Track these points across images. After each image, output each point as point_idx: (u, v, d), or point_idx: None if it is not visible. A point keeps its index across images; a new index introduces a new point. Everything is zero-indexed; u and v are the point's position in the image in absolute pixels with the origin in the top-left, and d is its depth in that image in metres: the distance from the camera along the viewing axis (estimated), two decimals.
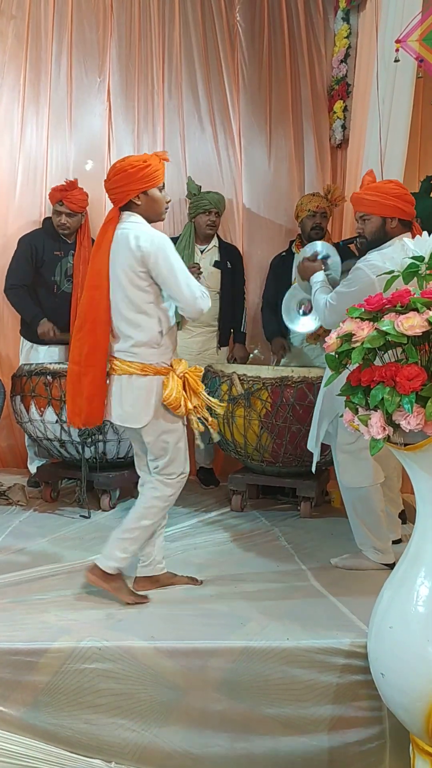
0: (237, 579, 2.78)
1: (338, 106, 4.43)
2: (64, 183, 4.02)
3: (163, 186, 2.60)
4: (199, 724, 2.18)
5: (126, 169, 2.52)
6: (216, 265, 4.19)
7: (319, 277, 3.07)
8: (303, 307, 3.69)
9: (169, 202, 2.64)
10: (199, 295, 2.47)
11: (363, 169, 4.01)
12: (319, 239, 4.08)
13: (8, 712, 2.10)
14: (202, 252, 4.22)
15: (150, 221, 2.59)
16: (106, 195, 4.43)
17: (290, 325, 3.80)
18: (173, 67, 4.58)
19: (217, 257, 4.22)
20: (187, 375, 2.55)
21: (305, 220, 4.11)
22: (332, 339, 2.13)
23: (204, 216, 4.15)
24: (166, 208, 2.64)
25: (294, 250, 4.22)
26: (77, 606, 2.45)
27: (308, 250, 3.34)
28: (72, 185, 3.99)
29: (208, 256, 4.21)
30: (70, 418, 2.62)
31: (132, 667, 2.15)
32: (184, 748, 2.15)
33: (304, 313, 3.69)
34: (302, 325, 3.73)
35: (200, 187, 4.21)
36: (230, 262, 4.25)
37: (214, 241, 4.27)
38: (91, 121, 4.58)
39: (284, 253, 4.29)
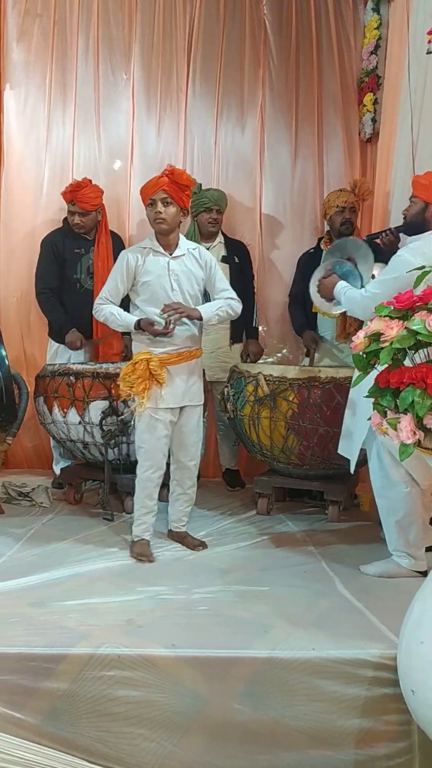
0: (261, 584, 2.70)
1: (368, 98, 4.33)
2: (72, 182, 3.98)
3: (152, 203, 2.96)
4: (221, 735, 2.10)
5: None
6: (223, 260, 4.13)
7: (341, 284, 3.08)
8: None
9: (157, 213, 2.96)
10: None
11: (394, 163, 3.93)
12: (349, 234, 4.01)
13: (26, 719, 2.05)
14: (207, 249, 4.15)
15: (158, 235, 3.04)
16: (130, 193, 4.46)
17: (321, 306, 3.69)
18: (197, 63, 4.54)
19: (223, 252, 4.15)
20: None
21: (334, 216, 4.03)
22: (360, 338, 2.05)
23: (205, 214, 4.09)
24: (157, 221, 2.98)
25: (322, 247, 4.13)
26: (97, 611, 2.40)
27: (318, 274, 3.34)
28: (81, 185, 3.95)
29: (214, 252, 4.14)
30: None
31: (151, 674, 2.09)
32: (205, 759, 2.09)
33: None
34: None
35: (201, 185, 4.15)
36: (237, 257, 4.19)
37: (219, 238, 4.21)
38: (117, 119, 4.56)
39: (312, 251, 4.21)
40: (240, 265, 4.18)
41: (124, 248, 4.29)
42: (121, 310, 3.04)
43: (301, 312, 4.12)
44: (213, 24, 4.53)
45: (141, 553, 2.98)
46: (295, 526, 3.51)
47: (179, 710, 2.08)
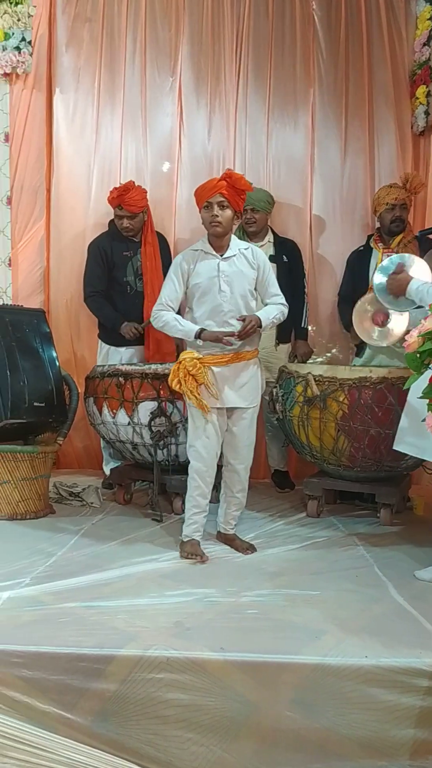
0: (311, 588, 2.65)
1: (421, 91, 4.23)
2: (120, 186, 3.99)
3: (208, 206, 2.97)
4: (271, 741, 2.07)
5: None
6: (271, 259, 4.06)
7: (415, 283, 3.06)
8: (376, 318, 3.61)
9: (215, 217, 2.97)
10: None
11: None
12: (400, 232, 3.92)
13: (76, 719, 2.06)
14: None
15: (210, 237, 3.07)
16: (176, 195, 4.46)
17: (368, 340, 3.70)
18: (244, 61, 4.50)
19: (272, 251, 4.09)
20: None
21: (384, 213, 3.94)
22: (413, 337, 1.99)
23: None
24: (212, 224, 2.98)
25: (372, 245, 4.05)
26: (146, 612, 2.39)
27: (389, 265, 3.29)
28: (128, 188, 3.95)
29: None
30: None
31: (200, 678, 2.07)
32: (255, 765, 2.06)
33: (382, 324, 3.61)
34: (382, 335, 3.63)
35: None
36: (286, 255, 4.13)
37: (268, 237, 4.15)
38: (163, 121, 4.56)
39: (362, 248, 4.13)
40: (289, 264, 4.13)
41: (169, 249, 4.32)
42: (181, 318, 3.07)
43: (350, 309, 4.04)
44: (262, 22, 4.50)
45: (192, 552, 2.97)
46: (346, 529, 3.45)
47: (229, 715, 2.06)
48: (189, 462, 3.10)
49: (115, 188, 4.00)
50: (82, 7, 4.45)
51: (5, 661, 2.07)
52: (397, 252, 3.80)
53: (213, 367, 2.99)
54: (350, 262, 4.19)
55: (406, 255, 3.41)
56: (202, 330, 2.98)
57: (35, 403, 3.52)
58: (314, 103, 4.52)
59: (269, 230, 4.19)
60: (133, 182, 4.01)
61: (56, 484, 3.94)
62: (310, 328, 4.35)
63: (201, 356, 2.98)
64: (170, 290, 3.09)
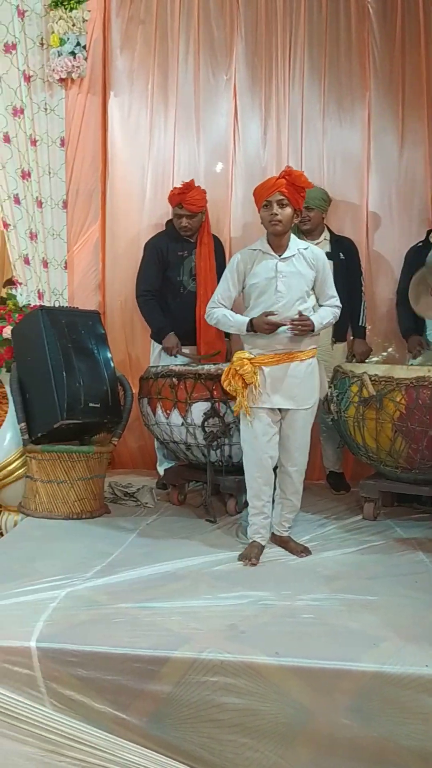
0: (369, 594, 2.59)
1: None
2: (182, 184, 3.99)
3: (267, 204, 2.95)
4: (327, 749, 2.03)
5: None
6: (327, 257, 3.99)
7: None
8: None
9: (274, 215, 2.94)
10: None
11: None
12: None
13: (130, 720, 2.07)
14: None
15: (269, 236, 3.04)
16: (231, 195, 4.44)
17: (420, 312, 3.57)
18: (299, 57, 4.44)
19: (328, 249, 4.01)
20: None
21: None
22: None
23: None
24: (272, 222, 2.95)
25: (431, 240, 3.95)
26: (200, 614, 2.38)
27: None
28: (189, 187, 3.96)
29: None
30: None
31: (255, 683, 2.05)
32: None
33: None
34: None
35: None
36: (343, 253, 4.05)
37: (324, 235, 4.08)
38: (217, 120, 4.54)
39: (420, 244, 4.03)
40: (346, 262, 4.06)
41: (224, 252, 4.31)
42: (232, 312, 3.07)
43: (410, 313, 3.96)
44: (316, 17, 4.43)
45: (245, 555, 2.97)
46: (404, 532, 3.36)
47: (284, 721, 2.03)
48: (242, 463, 3.08)
49: (177, 187, 4.01)
50: (135, 9, 4.47)
51: (62, 660, 2.09)
52: None
53: (264, 367, 2.97)
54: (408, 258, 4.10)
55: None
56: (252, 320, 2.96)
57: (91, 404, 3.56)
58: (370, 97, 4.43)
59: (325, 228, 4.13)
60: (194, 181, 4.01)
61: (111, 484, 3.98)
62: (391, 350, 4.28)
63: (252, 356, 2.97)
64: (224, 289, 3.10)
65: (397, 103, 4.41)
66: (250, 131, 4.52)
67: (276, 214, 2.93)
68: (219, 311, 3.07)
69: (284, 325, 2.92)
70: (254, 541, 3.04)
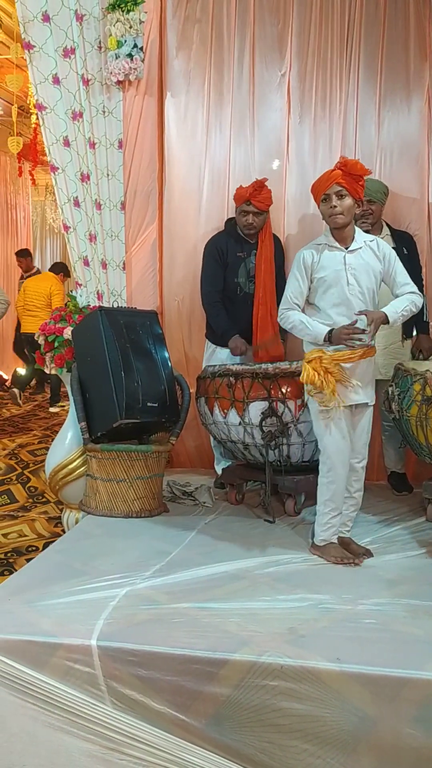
0: None
1: None
2: (254, 182, 3.96)
3: (326, 198, 2.91)
4: (390, 758, 1.98)
5: None
6: None
7: None
8: None
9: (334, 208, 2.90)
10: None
11: None
12: None
13: (190, 722, 2.06)
14: None
15: (333, 230, 2.99)
16: (285, 191, 4.38)
17: None
18: (355, 49, 4.33)
19: (392, 244, 3.90)
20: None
21: None
22: None
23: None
24: (332, 216, 2.91)
25: None
26: (259, 616, 2.36)
27: None
28: (261, 184, 3.94)
29: None
30: None
31: (316, 688, 2.01)
32: None
33: None
34: None
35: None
36: (406, 248, 3.94)
37: (385, 230, 3.98)
38: (272, 117, 4.49)
39: None
40: (408, 257, 3.96)
41: (283, 251, 4.26)
42: (310, 320, 2.99)
43: None
44: (372, 8, 4.33)
45: (341, 556, 2.94)
46: None
47: (346, 728, 1.98)
48: (305, 462, 3.05)
49: (252, 183, 3.97)
50: (191, 9, 4.46)
51: (122, 659, 2.11)
52: None
53: (342, 364, 2.92)
54: None
55: None
56: (331, 330, 2.91)
57: (149, 404, 3.58)
58: (429, 86, 4.30)
59: (383, 223, 4.03)
60: (266, 179, 3.98)
61: (170, 483, 3.99)
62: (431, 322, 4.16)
63: (330, 353, 2.91)
64: (295, 287, 3.03)
65: None
66: (303, 126, 4.45)
67: (335, 207, 2.88)
68: (296, 316, 3.01)
69: (363, 331, 2.86)
70: (333, 542, 3.01)
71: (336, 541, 3.02)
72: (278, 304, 3.96)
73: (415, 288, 3.00)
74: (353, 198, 2.91)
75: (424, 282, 4.06)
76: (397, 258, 3.05)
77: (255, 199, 3.92)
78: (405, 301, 2.95)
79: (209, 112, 4.52)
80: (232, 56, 4.47)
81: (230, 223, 4.22)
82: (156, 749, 2.07)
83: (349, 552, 3.01)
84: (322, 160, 4.34)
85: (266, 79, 4.47)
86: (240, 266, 4.06)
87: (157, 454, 3.62)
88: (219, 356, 4.11)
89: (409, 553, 3.05)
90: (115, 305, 4.26)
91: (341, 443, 2.97)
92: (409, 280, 3.01)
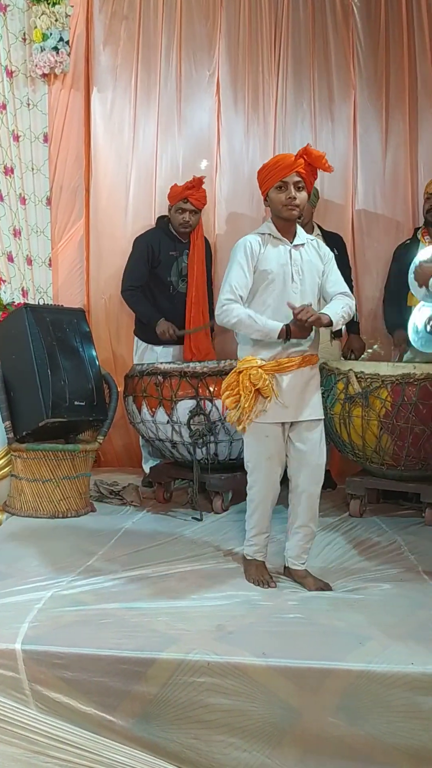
0: (355, 592, 2.60)
1: None
2: (192, 179, 3.97)
3: (282, 185, 2.59)
4: (315, 748, 2.03)
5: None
6: None
7: None
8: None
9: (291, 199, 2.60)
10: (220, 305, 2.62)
11: None
12: None
13: (117, 721, 2.05)
14: None
15: (279, 221, 2.67)
16: (216, 191, 4.41)
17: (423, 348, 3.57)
18: (283, 54, 4.43)
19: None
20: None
21: (425, 205, 3.97)
22: None
23: None
24: (289, 207, 2.59)
25: (419, 237, 3.97)
26: (187, 615, 2.37)
27: (424, 255, 3.19)
28: (200, 182, 3.95)
29: None
30: None
31: (243, 683, 2.04)
32: None
33: None
34: None
35: None
36: (336, 249, 4.04)
37: (316, 230, 4.07)
38: (200, 116, 4.52)
39: (408, 241, 4.05)
40: (339, 258, 4.05)
41: (212, 254, 4.28)
42: (258, 315, 2.57)
43: (395, 308, 3.97)
44: (300, 14, 4.42)
45: (258, 579, 2.67)
46: (390, 529, 3.37)
47: (272, 721, 2.02)
48: (232, 460, 3.06)
49: (187, 182, 3.97)
50: (119, 4, 4.43)
51: (47, 662, 2.08)
52: None
53: (278, 375, 2.58)
54: (397, 255, 4.12)
55: None
56: (288, 327, 2.54)
57: (76, 402, 3.53)
58: (355, 96, 4.43)
59: (314, 224, 4.12)
60: (203, 178, 3.99)
61: (97, 483, 3.96)
62: (376, 347, 4.31)
63: (264, 363, 2.57)
64: (239, 276, 2.60)
65: (380, 101, 4.42)
66: (234, 127, 4.50)
67: (294, 198, 2.57)
68: (241, 309, 2.57)
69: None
70: (257, 560, 2.74)
71: (260, 559, 2.74)
72: (210, 304, 4.00)
73: (348, 291, 2.74)
74: (307, 192, 2.65)
75: (353, 283, 4.17)
76: (333, 258, 2.79)
77: (193, 197, 3.94)
78: (342, 303, 2.65)
79: (136, 108, 4.51)
80: (159, 54, 4.47)
81: (163, 220, 4.22)
82: (82, 750, 2.05)
83: (304, 585, 2.66)
84: (253, 161, 4.40)
85: (195, 79, 4.49)
86: (172, 265, 4.07)
87: (84, 453, 3.58)
88: (149, 355, 4.10)
89: (332, 547, 3.12)
90: (41, 302, 4.18)
91: (268, 466, 2.65)
92: (342, 280, 2.75)
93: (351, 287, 4.05)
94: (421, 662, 2.03)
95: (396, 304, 3.96)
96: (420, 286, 2.97)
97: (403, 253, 4.03)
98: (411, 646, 2.13)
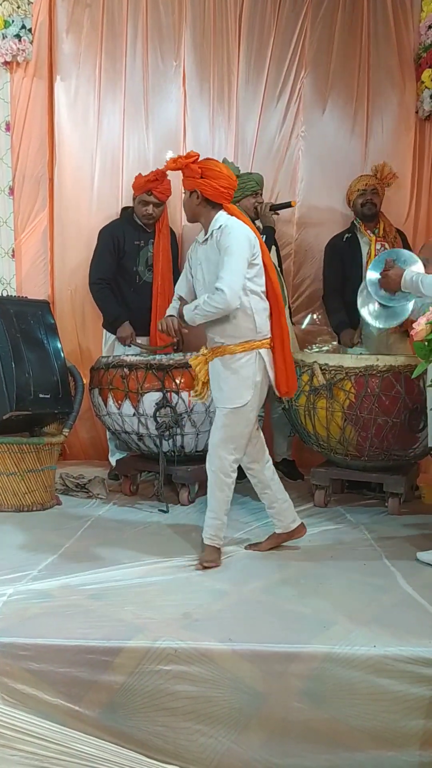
0: (320, 579, 2.64)
1: (426, 74, 4.17)
2: (155, 171, 3.95)
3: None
4: (280, 732, 2.06)
5: None
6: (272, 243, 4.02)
7: (409, 274, 3.04)
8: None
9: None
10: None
11: None
12: (372, 216, 4.00)
13: (84, 712, 2.05)
14: None
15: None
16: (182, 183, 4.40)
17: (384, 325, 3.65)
18: (248, 45, 4.43)
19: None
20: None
21: (356, 200, 4.03)
22: (421, 325, 1.96)
23: (251, 198, 3.93)
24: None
25: (360, 231, 4.05)
26: (153, 603, 2.38)
27: (379, 264, 3.36)
28: (162, 174, 3.92)
29: None
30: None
31: (209, 670, 2.06)
32: (264, 757, 2.05)
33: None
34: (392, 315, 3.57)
35: (239, 168, 3.99)
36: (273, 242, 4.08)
37: (257, 223, 4.05)
38: (167, 107, 4.50)
39: (348, 236, 4.08)
40: (277, 250, 4.11)
41: (177, 244, 4.28)
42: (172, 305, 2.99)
43: (340, 306, 4.03)
44: (266, 5, 4.41)
45: (209, 560, 2.77)
46: (354, 519, 3.43)
47: (237, 706, 2.05)
48: (198, 452, 3.07)
49: (152, 173, 3.93)
50: None
51: (13, 654, 2.07)
52: (385, 240, 3.90)
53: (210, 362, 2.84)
54: (339, 250, 4.11)
55: (394, 250, 3.54)
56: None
57: (40, 395, 3.50)
58: (302, 87, 4.43)
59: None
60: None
61: (62, 476, 3.93)
62: (315, 316, 4.33)
63: (206, 351, 2.85)
64: (180, 282, 3.00)
65: (326, 90, 4.44)
66: (200, 118, 4.49)
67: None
68: (171, 305, 2.98)
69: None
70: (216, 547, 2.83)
71: (217, 545, 2.80)
72: None
73: (221, 284, 2.60)
74: (189, 191, 2.78)
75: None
76: (230, 251, 2.63)
77: (156, 189, 3.92)
78: (200, 300, 2.69)
79: (101, 97, 4.47)
80: (124, 43, 4.44)
81: (127, 211, 4.20)
82: (49, 742, 2.05)
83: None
84: (219, 151, 4.40)
85: (161, 69, 4.47)
86: (138, 255, 4.05)
87: (50, 446, 3.55)
88: (119, 347, 4.08)
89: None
90: (5, 294, 4.12)
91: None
92: (223, 275, 2.61)
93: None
94: (382, 645, 2.08)
95: (340, 300, 4.02)
96: (394, 291, 3.12)
97: (345, 247, 4.07)
98: (374, 630, 2.18)
